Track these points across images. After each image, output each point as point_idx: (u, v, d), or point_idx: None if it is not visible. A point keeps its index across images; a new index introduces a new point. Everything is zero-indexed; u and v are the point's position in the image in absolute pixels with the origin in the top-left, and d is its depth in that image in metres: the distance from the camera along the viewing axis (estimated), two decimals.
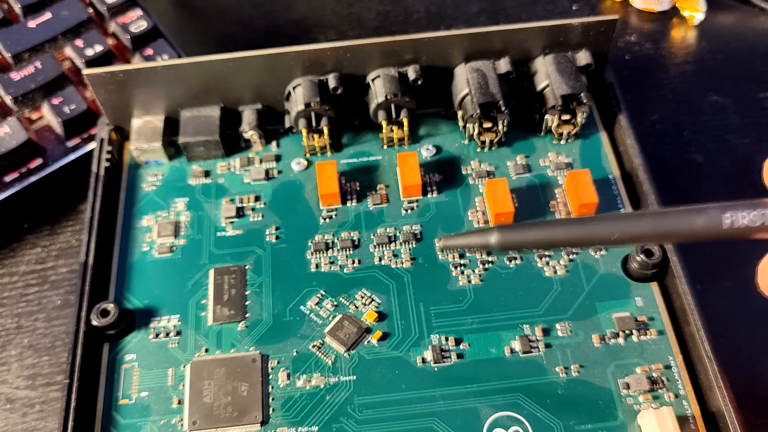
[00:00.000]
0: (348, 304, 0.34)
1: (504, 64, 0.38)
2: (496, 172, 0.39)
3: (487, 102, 0.37)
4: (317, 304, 0.34)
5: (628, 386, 0.31)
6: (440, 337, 0.33)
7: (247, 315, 0.34)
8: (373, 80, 0.38)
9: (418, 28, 0.50)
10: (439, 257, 0.36)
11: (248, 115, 0.39)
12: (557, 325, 0.33)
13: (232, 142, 0.40)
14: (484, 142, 0.39)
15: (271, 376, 0.32)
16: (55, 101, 0.41)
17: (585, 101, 0.37)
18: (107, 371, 0.33)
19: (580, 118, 0.38)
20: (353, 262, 0.36)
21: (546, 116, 0.38)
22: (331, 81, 0.38)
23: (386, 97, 0.38)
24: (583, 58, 0.38)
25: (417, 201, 0.38)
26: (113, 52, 0.43)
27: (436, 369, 0.32)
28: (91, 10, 0.45)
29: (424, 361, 0.32)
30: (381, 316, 0.34)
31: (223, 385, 0.32)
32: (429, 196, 0.38)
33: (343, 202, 0.38)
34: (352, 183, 0.38)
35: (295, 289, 0.35)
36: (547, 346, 0.33)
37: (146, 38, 0.44)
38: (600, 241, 0.24)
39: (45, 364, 0.37)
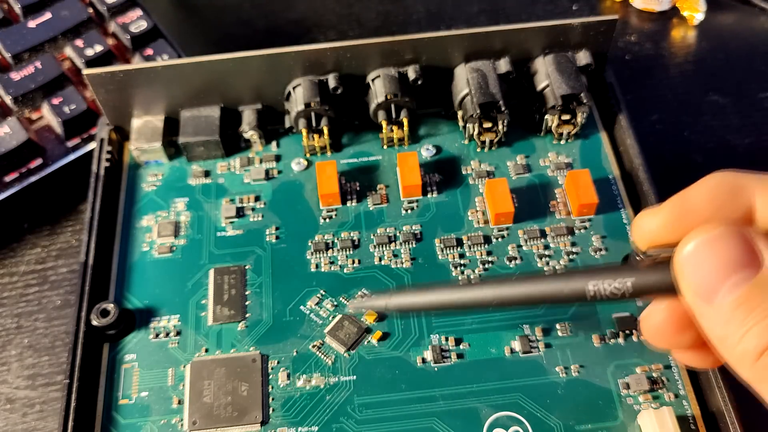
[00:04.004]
0: (348, 304, 0.34)
1: (504, 64, 0.38)
2: (496, 172, 0.39)
3: (487, 102, 0.37)
4: (317, 304, 0.34)
5: (628, 386, 0.31)
6: (440, 337, 0.33)
7: (247, 315, 0.34)
8: (373, 80, 0.38)
9: (418, 28, 0.51)
10: (439, 257, 0.36)
11: (248, 115, 0.39)
12: (557, 325, 0.33)
13: (232, 142, 0.40)
14: (484, 142, 0.39)
15: (271, 376, 0.32)
16: (55, 101, 0.41)
17: (585, 101, 0.37)
18: (107, 371, 0.33)
19: (580, 118, 0.38)
20: (353, 262, 0.36)
21: (546, 116, 0.38)
22: (331, 81, 0.38)
23: (386, 97, 0.38)
24: (583, 58, 0.38)
25: (417, 201, 0.38)
26: (113, 52, 0.43)
27: (436, 369, 0.32)
28: (91, 10, 0.45)
29: (424, 361, 0.32)
30: (381, 316, 0.34)
31: (223, 385, 0.32)
32: (429, 196, 0.38)
33: (343, 202, 0.38)
34: (352, 183, 0.38)
35: (295, 289, 0.35)
36: (547, 346, 0.33)
37: (146, 38, 0.44)
38: (479, 305, 0.26)
39: (45, 364, 0.37)
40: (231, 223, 0.37)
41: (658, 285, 0.23)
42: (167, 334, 0.34)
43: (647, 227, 0.25)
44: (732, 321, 0.20)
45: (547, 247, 0.36)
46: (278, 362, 0.33)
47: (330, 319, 0.34)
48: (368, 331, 0.33)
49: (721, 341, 0.21)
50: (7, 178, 0.40)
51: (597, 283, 0.23)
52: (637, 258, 0.33)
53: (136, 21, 0.44)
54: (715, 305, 0.20)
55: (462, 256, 0.35)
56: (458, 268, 0.35)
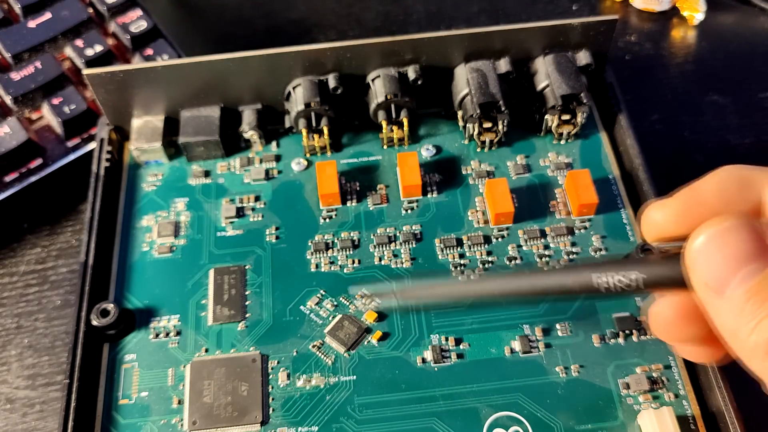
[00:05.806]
0: (348, 304, 0.34)
1: (504, 64, 0.38)
2: (496, 172, 0.39)
3: (487, 102, 0.37)
4: (317, 304, 0.34)
5: (628, 386, 0.31)
6: (440, 337, 0.33)
7: (247, 315, 0.34)
8: (373, 80, 0.38)
9: (418, 28, 0.51)
10: (439, 257, 0.36)
11: (248, 115, 0.39)
12: (557, 325, 0.33)
13: (232, 142, 0.40)
14: (484, 142, 0.39)
15: (271, 376, 0.32)
16: (55, 101, 0.41)
17: (585, 101, 0.37)
18: (107, 371, 0.33)
19: (580, 118, 0.38)
20: (353, 262, 0.36)
21: (546, 116, 0.38)
22: (331, 81, 0.38)
23: (386, 97, 0.38)
24: (583, 58, 0.38)
25: (417, 201, 0.38)
26: (113, 52, 0.43)
27: (436, 369, 0.32)
28: (91, 10, 0.45)
29: (424, 361, 0.32)
30: (381, 316, 0.34)
31: (223, 385, 0.32)
32: (429, 196, 0.38)
33: (343, 202, 0.38)
34: (352, 183, 0.38)
35: (295, 289, 0.35)
36: (547, 346, 0.33)
37: (146, 38, 0.44)
38: (485, 297, 0.26)
39: (45, 364, 0.37)
40: (231, 223, 0.37)
41: (668, 278, 0.23)
42: (167, 334, 0.34)
43: (656, 219, 0.24)
44: (743, 313, 0.20)
45: (547, 247, 0.36)
46: (278, 362, 0.33)
47: (330, 319, 0.34)
48: (368, 331, 0.33)
49: (731, 334, 0.21)
50: (7, 178, 0.40)
51: (602, 276, 0.23)
52: (640, 254, 0.33)
53: (136, 21, 0.44)
54: (726, 297, 0.20)
55: (462, 256, 0.35)
56: (458, 268, 0.35)
